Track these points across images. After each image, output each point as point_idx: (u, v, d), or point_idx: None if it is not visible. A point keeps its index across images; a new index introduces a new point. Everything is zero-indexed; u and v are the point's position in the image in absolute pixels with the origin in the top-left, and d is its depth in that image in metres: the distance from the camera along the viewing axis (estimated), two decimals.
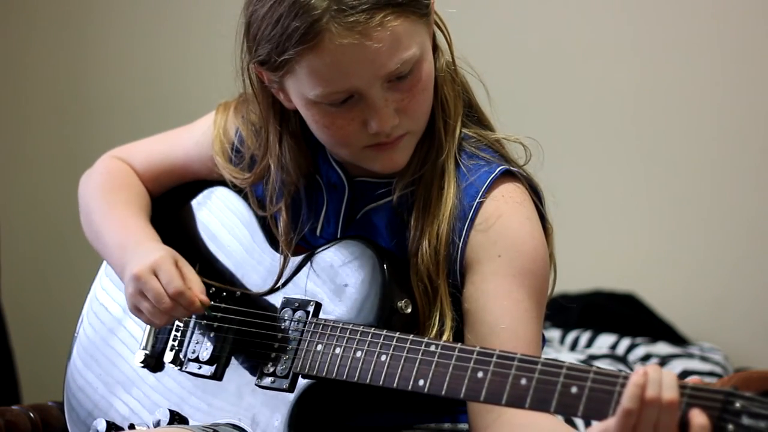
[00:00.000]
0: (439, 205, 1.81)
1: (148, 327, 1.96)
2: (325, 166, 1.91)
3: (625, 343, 3.18)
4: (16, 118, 3.90)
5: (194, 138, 2.03)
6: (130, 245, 1.93)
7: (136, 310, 1.88)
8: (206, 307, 1.86)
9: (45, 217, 3.89)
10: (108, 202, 2.02)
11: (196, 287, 1.86)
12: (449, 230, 1.79)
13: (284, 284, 1.87)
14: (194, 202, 2.03)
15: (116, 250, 1.95)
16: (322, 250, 1.85)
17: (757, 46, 3.29)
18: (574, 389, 1.53)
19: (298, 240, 1.90)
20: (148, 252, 1.89)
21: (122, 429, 1.93)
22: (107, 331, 2.03)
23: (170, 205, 2.06)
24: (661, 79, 3.37)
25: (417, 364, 1.66)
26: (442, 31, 1.86)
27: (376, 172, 1.85)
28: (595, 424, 1.52)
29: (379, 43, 1.72)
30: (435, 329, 1.77)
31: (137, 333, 1.98)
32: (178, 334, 1.93)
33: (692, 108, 3.35)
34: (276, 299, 1.86)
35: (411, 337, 1.69)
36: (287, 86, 1.80)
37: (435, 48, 1.84)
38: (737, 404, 1.43)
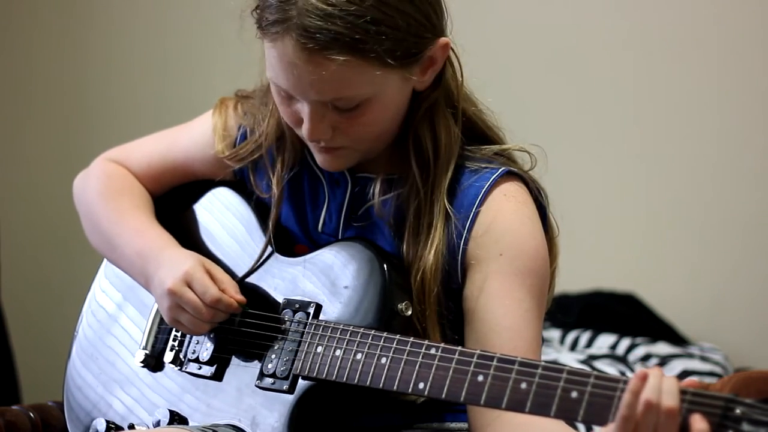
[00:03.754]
0: (433, 216, 1.81)
1: (148, 327, 1.96)
2: None
3: (625, 343, 3.18)
4: (16, 118, 3.90)
5: (193, 138, 2.03)
6: (152, 254, 1.92)
7: (176, 323, 1.87)
8: (244, 306, 1.86)
9: (45, 217, 3.88)
10: (115, 209, 2.01)
11: (231, 288, 1.86)
12: (447, 239, 1.80)
13: (285, 285, 1.87)
14: (193, 203, 2.03)
15: (136, 259, 1.94)
16: (323, 251, 1.85)
17: (757, 47, 3.29)
18: (574, 394, 1.53)
19: (297, 227, 1.91)
20: (175, 262, 1.88)
21: (122, 429, 1.93)
22: (106, 332, 2.03)
23: (169, 206, 2.05)
24: (661, 80, 3.37)
25: (417, 367, 1.66)
26: (453, 70, 1.85)
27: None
28: (597, 429, 1.52)
29: (321, 73, 1.73)
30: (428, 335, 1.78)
31: (136, 333, 1.98)
32: (179, 334, 1.93)
33: (692, 108, 3.35)
34: (277, 300, 1.86)
35: (411, 339, 1.69)
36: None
37: (436, 83, 1.82)
38: (738, 410, 1.43)
